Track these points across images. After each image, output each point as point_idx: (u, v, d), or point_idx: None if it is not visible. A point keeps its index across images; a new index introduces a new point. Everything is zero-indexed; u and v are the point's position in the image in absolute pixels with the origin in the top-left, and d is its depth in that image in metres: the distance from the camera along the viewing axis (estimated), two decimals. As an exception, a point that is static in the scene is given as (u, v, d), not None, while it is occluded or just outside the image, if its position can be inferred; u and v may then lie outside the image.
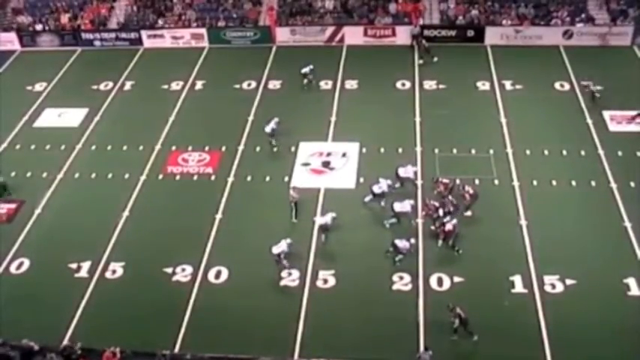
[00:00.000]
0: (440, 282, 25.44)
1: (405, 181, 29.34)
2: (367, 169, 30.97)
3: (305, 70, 37.13)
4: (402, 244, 25.74)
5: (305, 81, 37.21)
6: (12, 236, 29.40)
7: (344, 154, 31.81)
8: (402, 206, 27.46)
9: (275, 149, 32.58)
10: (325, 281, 25.88)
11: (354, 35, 41.12)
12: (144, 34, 43.49)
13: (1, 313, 25.74)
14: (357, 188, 30.04)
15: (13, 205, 31.07)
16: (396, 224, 27.68)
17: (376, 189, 28.60)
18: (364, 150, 32.13)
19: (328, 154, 31.91)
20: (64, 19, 45.54)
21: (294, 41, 41.68)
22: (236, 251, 27.25)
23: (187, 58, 41.44)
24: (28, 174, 32.90)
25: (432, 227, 27.24)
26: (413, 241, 26.00)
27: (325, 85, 37.40)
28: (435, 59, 38.61)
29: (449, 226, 26.32)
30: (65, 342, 23.94)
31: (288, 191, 29.08)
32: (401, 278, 25.66)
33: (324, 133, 33.45)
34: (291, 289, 25.66)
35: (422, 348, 22.72)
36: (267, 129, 32.66)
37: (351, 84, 37.40)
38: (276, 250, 25.96)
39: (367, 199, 28.92)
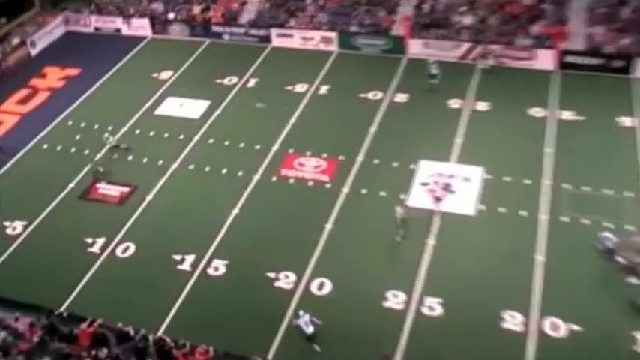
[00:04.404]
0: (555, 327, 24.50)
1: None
2: (489, 197, 30.28)
3: (434, 70, 37.18)
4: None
5: (432, 82, 37.23)
6: (122, 219, 30.71)
7: (466, 179, 31.21)
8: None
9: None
10: (431, 309, 25.44)
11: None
12: (273, 32, 44.46)
13: (102, 293, 26.95)
14: (476, 216, 29.42)
15: (126, 189, 32.40)
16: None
17: (609, 244, 27.30)
18: (488, 176, 31.40)
19: (450, 177, 31.40)
20: (196, 10, 47.22)
21: (426, 55, 41.33)
22: (342, 265, 27.24)
23: (315, 60, 42.03)
24: (144, 160, 34.31)
25: None
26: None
27: (454, 103, 36.88)
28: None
29: None
30: (160, 333, 24.63)
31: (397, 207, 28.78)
32: (512, 317, 24.86)
33: (448, 154, 32.97)
34: (394, 312, 25.35)
35: None
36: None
37: (482, 105, 36.67)
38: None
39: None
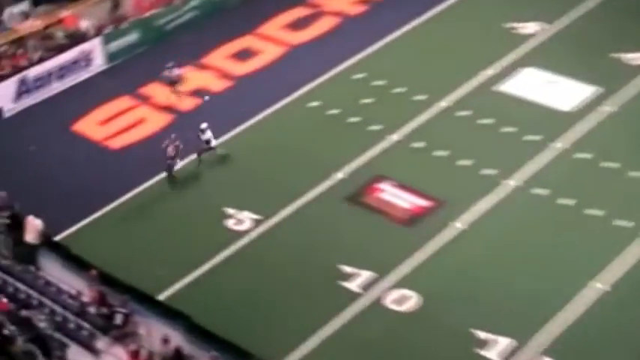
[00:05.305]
0: None
1: None
2: None
3: None
4: None
5: None
6: (406, 248, 31.35)
7: None
8: None
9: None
10: None
11: None
12: None
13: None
14: None
15: (424, 202, 33.18)
16: None
17: None
18: None
19: None
20: None
21: None
22: None
23: None
24: (461, 162, 34.98)
25: None
26: None
27: None
28: None
29: None
30: None
31: None
32: None
33: None
34: None
35: None
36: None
37: None
38: None
39: None
